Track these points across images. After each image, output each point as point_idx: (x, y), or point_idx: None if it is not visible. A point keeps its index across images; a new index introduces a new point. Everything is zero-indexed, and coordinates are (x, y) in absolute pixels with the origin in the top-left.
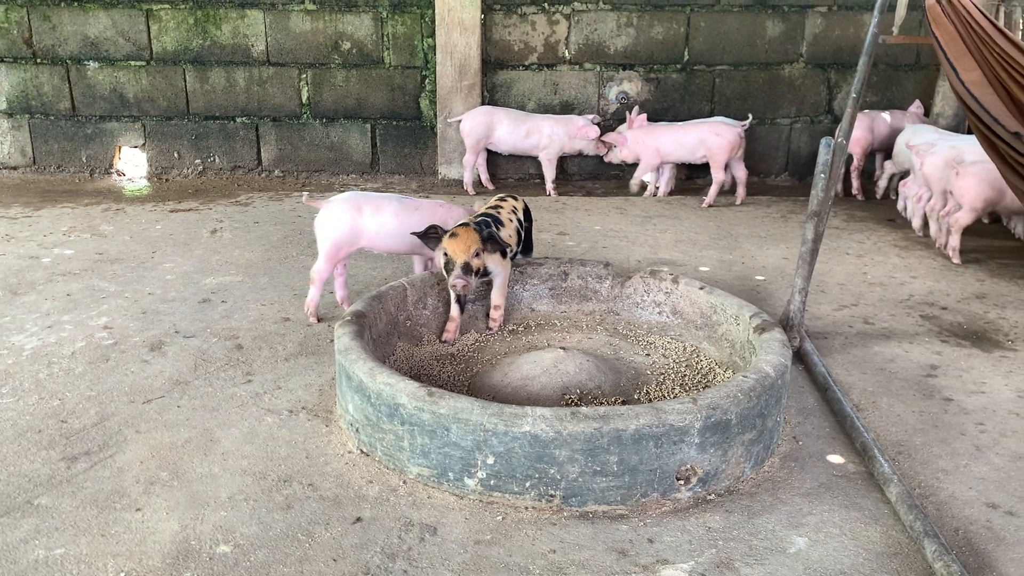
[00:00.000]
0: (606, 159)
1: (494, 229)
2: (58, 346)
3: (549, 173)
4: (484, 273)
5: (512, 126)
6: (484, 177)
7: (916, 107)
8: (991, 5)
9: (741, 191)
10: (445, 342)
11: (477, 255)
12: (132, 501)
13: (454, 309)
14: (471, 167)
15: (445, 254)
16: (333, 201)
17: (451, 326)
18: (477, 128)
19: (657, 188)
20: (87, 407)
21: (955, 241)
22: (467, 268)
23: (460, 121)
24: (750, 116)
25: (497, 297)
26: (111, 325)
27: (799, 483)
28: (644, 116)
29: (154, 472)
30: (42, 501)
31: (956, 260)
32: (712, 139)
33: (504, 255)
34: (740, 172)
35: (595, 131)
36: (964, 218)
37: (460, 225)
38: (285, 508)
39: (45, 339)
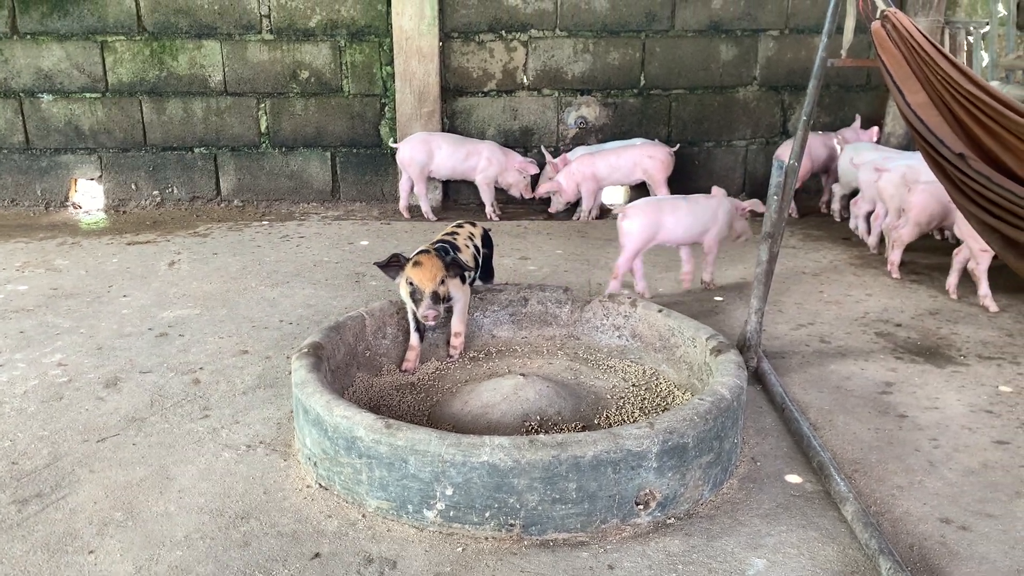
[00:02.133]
0: (551, 209)
1: (455, 254)
2: (10, 385)
3: (487, 197)
4: (447, 299)
5: (451, 149)
6: (403, 204)
7: (854, 127)
8: (936, 27)
9: None
10: (405, 371)
11: (443, 283)
12: (85, 543)
13: (414, 338)
14: (425, 196)
15: (411, 283)
16: (634, 206)
17: (411, 355)
18: (418, 156)
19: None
20: (39, 447)
21: (895, 256)
22: (435, 297)
23: (397, 150)
24: (677, 145)
25: (458, 324)
26: (65, 362)
27: (757, 504)
28: (565, 156)
29: (108, 513)
30: None
31: (895, 275)
32: (647, 161)
33: (464, 280)
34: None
35: (533, 169)
36: (907, 233)
37: (421, 252)
38: (242, 546)
39: None
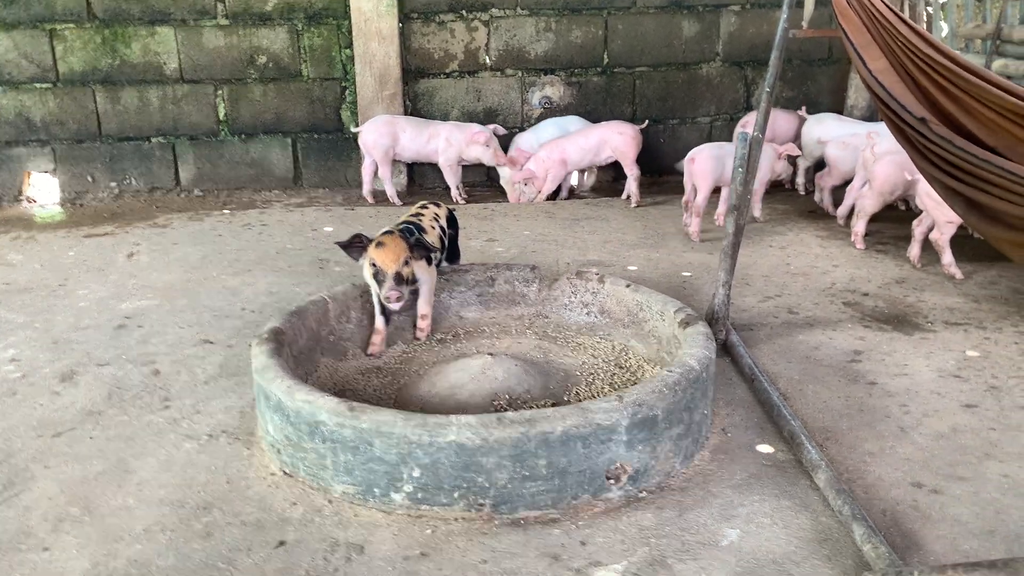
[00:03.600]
0: (522, 199)
1: (420, 235)
2: None
3: (451, 179)
4: (412, 281)
5: (415, 132)
6: (367, 189)
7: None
8: None
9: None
10: (371, 355)
11: (407, 263)
12: (39, 541)
13: (379, 321)
14: (390, 180)
15: (373, 264)
16: (700, 151)
17: (376, 338)
18: (383, 139)
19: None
20: None
21: (860, 227)
22: (399, 278)
23: (359, 132)
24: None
25: (424, 306)
26: (19, 357)
27: (729, 475)
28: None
29: (63, 508)
30: None
31: (860, 245)
32: (615, 138)
33: (430, 262)
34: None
35: (484, 137)
36: (870, 204)
37: (384, 233)
38: (204, 537)
39: None
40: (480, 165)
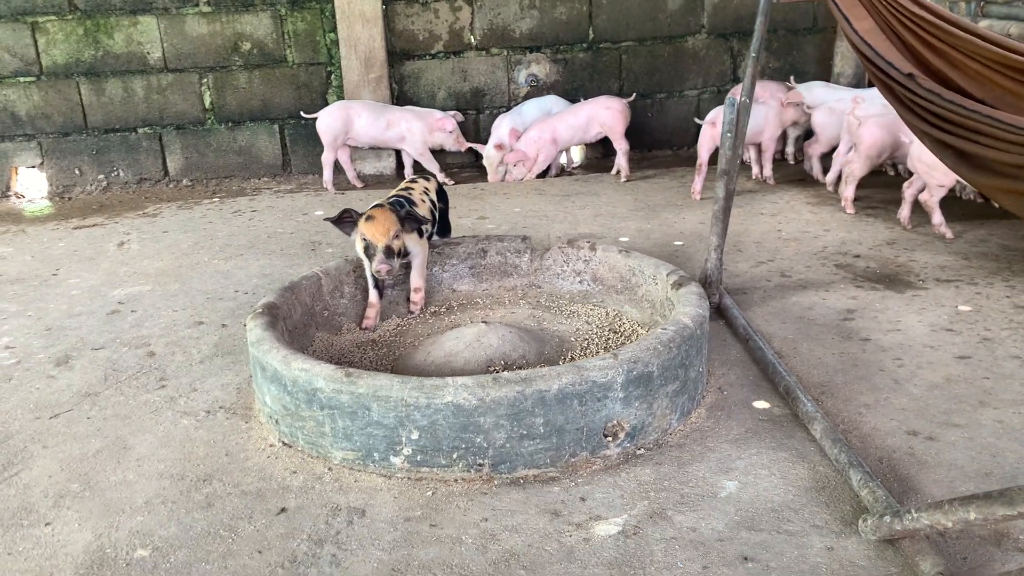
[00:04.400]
0: (508, 178)
1: (410, 207)
2: None
3: (430, 166)
4: (404, 254)
5: (371, 118)
6: (351, 175)
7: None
8: None
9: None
10: (366, 329)
11: (397, 236)
12: (41, 516)
13: (372, 295)
14: (330, 165)
15: (364, 239)
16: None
17: (371, 312)
18: (334, 124)
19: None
20: None
21: (849, 192)
22: (389, 252)
23: (316, 119)
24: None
25: (417, 279)
26: (13, 344)
27: (726, 431)
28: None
29: (64, 485)
30: None
31: (850, 210)
32: (603, 113)
33: (421, 234)
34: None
35: (451, 124)
36: (858, 168)
37: (375, 207)
38: (206, 507)
39: None
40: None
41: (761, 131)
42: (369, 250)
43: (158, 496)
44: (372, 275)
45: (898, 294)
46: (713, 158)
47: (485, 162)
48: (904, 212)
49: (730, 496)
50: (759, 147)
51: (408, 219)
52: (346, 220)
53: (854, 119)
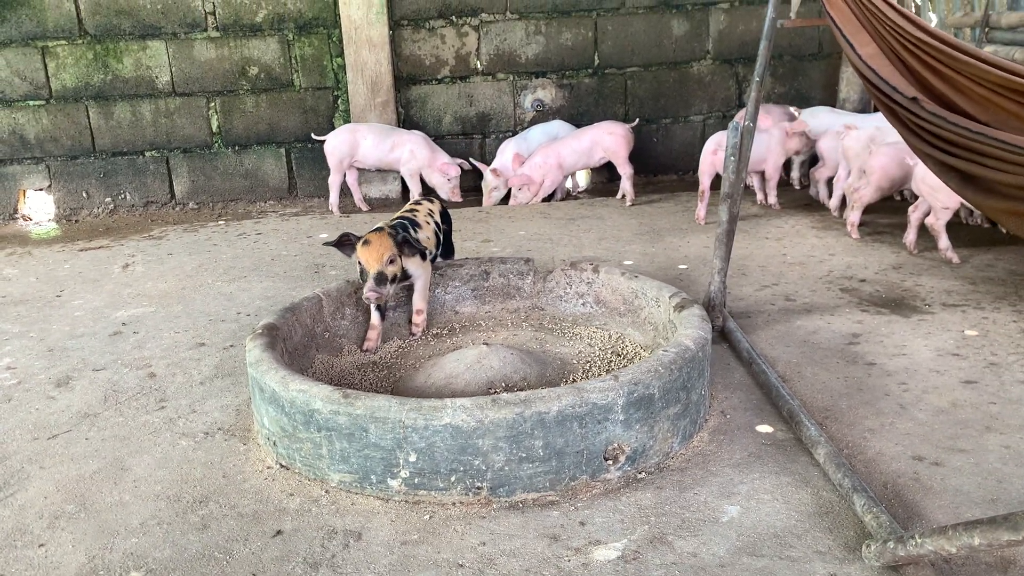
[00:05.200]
0: (513, 202)
1: (410, 233)
2: None
3: (415, 188)
4: (405, 277)
5: (377, 140)
6: (357, 198)
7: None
8: None
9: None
10: (367, 351)
11: (392, 262)
12: (35, 537)
13: (374, 316)
14: (336, 187)
15: (359, 264)
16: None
17: (372, 334)
18: (341, 146)
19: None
20: None
21: (855, 216)
22: (381, 278)
23: (325, 141)
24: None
25: (419, 301)
26: (14, 365)
27: (729, 455)
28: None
29: (59, 506)
30: None
31: (855, 235)
32: (606, 138)
33: (424, 257)
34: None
35: (454, 171)
36: (867, 195)
37: (374, 231)
38: (201, 529)
39: None
40: (472, 170)
41: (764, 159)
42: (363, 275)
43: (154, 518)
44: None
45: (904, 318)
46: (716, 183)
47: (483, 186)
48: (910, 236)
49: (732, 521)
50: (763, 174)
51: (405, 244)
52: (345, 243)
53: (852, 144)
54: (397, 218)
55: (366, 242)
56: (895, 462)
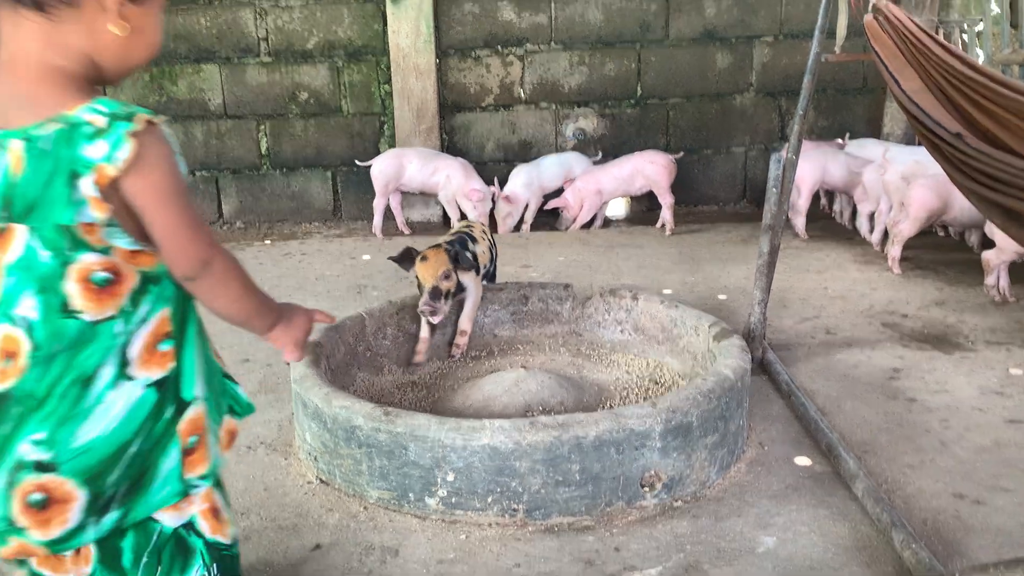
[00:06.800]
0: (559, 226)
1: (466, 246)
2: None
3: (452, 213)
4: (459, 290)
5: (421, 164)
6: (400, 221)
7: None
8: (930, 27)
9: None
10: (417, 364)
11: (447, 277)
12: None
13: (424, 330)
14: (380, 210)
15: (416, 278)
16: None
17: (422, 347)
18: (387, 170)
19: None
20: None
21: (896, 251)
22: (436, 292)
23: (371, 166)
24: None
25: (465, 322)
26: None
27: (766, 486)
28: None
29: None
30: None
31: (896, 270)
32: (648, 168)
33: (477, 272)
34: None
35: (476, 196)
36: (907, 229)
37: (432, 247)
38: (242, 540)
39: None
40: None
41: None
42: (420, 289)
43: None
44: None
45: (946, 355)
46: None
47: (495, 213)
48: (993, 280)
49: (768, 552)
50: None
51: (461, 259)
52: (406, 258)
53: (891, 179)
54: (455, 233)
55: (424, 258)
56: (935, 499)
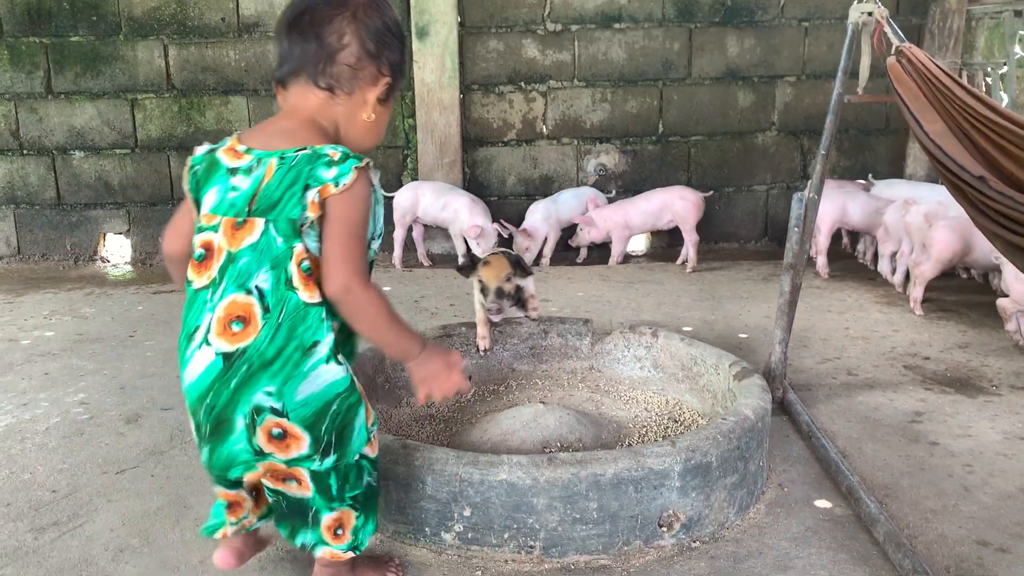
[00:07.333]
0: (572, 242)
1: (520, 256)
2: (32, 422)
3: (459, 247)
4: (517, 291)
5: (433, 198)
6: (420, 253)
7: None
8: (953, 70)
9: (693, 255)
10: (484, 350)
11: (508, 279)
12: (100, 568)
13: (480, 316)
14: (400, 242)
15: (480, 280)
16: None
17: (483, 330)
18: (404, 203)
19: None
20: (58, 479)
21: (918, 293)
22: (500, 292)
23: (392, 197)
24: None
25: (531, 289)
26: (88, 401)
27: (785, 528)
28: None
29: (124, 539)
30: (6, 572)
31: (918, 312)
32: (677, 203)
33: (530, 274)
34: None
35: (474, 233)
36: (929, 270)
37: (492, 255)
38: (258, 570)
39: (20, 416)
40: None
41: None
42: (484, 291)
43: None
44: (483, 309)
45: (970, 399)
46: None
47: (514, 247)
48: (1011, 326)
49: None
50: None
51: (519, 265)
52: (467, 267)
53: (913, 221)
54: (500, 250)
55: (486, 263)
56: (958, 546)
